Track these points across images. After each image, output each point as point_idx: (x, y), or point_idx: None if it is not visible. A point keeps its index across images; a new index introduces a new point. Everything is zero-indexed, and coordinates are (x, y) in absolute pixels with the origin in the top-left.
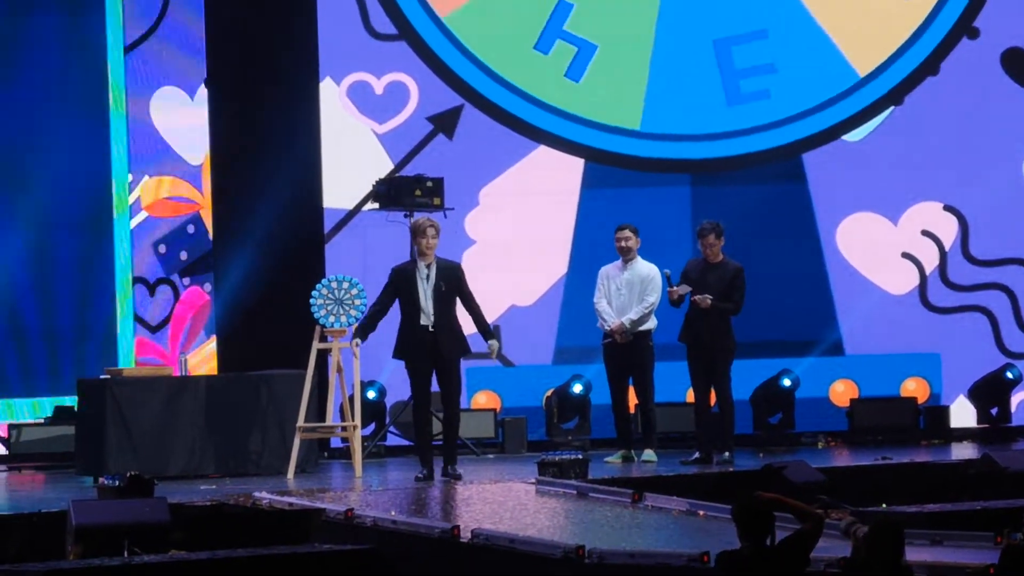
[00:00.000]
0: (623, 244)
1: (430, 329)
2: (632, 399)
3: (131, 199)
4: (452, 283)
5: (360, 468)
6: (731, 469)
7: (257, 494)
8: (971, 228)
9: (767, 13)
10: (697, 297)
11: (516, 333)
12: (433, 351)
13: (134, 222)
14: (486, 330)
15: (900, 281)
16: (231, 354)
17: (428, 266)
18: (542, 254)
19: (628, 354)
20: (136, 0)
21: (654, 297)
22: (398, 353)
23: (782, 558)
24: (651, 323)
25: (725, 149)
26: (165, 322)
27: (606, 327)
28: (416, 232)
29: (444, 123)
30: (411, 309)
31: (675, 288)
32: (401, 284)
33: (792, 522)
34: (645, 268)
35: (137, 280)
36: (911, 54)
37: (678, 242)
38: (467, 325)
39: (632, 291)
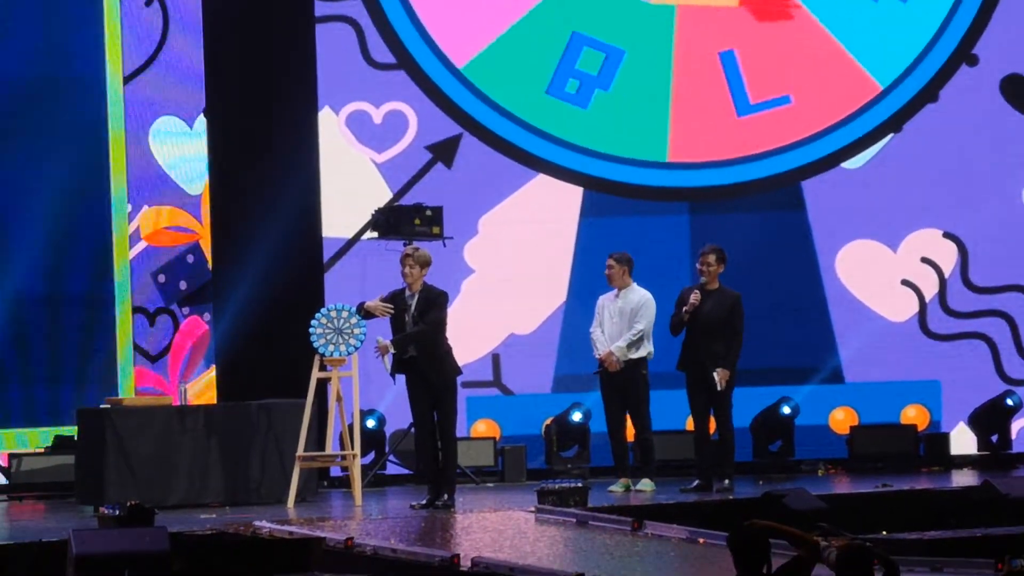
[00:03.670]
0: (606, 273)
1: (416, 358)
2: (630, 427)
3: (130, 229)
4: (426, 310)
5: (360, 497)
6: (731, 497)
7: (257, 523)
8: (971, 255)
9: None
10: (716, 378)
11: (515, 361)
12: (423, 380)
13: (133, 252)
14: (398, 339)
15: (900, 308)
16: (230, 383)
17: (412, 296)
18: (541, 282)
19: (621, 383)
20: (135, 30)
21: (642, 324)
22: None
23: None
24: (644, 351)
25: (724, 177)
26: (165, 352)
27: (598, 356)
28: (401, 263)
29: (443, 152)
30: None
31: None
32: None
33: (788, 549)
34: (637, 295)
35: (137, 310)
36: (910, 81)
37: (677, 270)
38: (463, 352)
39: (624, 319)
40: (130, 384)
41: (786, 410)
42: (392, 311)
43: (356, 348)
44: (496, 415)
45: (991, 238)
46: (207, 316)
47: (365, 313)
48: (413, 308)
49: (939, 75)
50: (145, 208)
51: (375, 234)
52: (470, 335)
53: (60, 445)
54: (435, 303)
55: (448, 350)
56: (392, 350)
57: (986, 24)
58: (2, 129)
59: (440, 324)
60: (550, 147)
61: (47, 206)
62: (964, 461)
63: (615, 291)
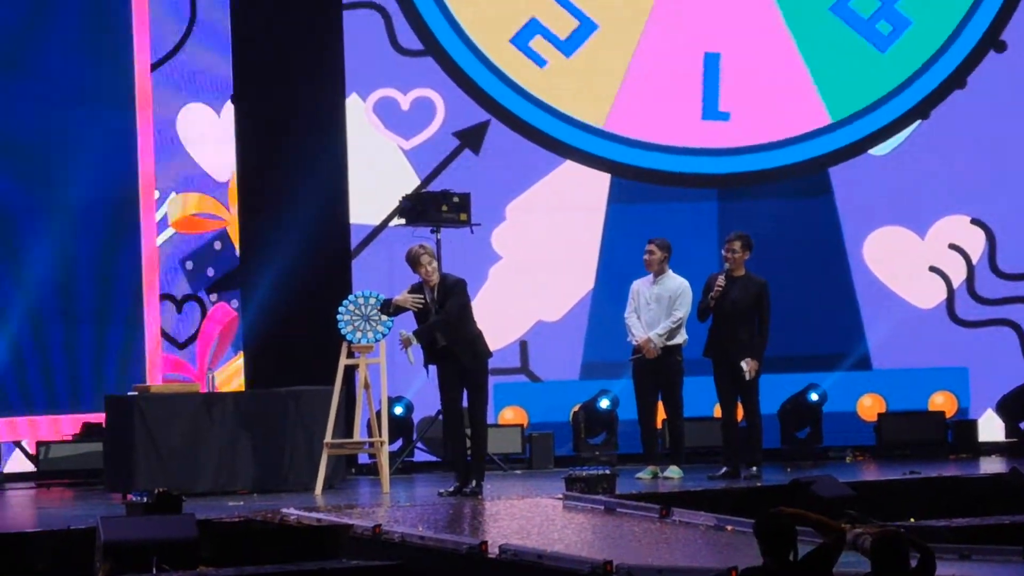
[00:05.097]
0: (645, 258)
1: (448, 347)
2: (660, 414)
3: (158, 216)
4: (446, 299)
5: (388, 484)
6: (759, 484)
7: (285, 510)
8: (998, 241)
9: None
10: (745, 368)
11: (543, 348)
12: (457, 365)
13: (161, 239)
14: (420, 330)
15: (927, 295)
16: (258, 370)
17: (433, 289)
18: (569, 269)
19: (656, 369)
20: (163, 17)
21: (682, 312)
22: (428, 360)
23: (805, 573)
24: (680, 338)
25: (752, 163)
26: (192, 339)
27: (634, 342)
28: (414, 263)
29: (470, 138)
30: None
31: (712, 294)
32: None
33: (815, 536)
34: (675, 282)
35: (164, 297)
36: (938, 67)
37: (705, 257)
38: (490, 339)
39: (661, 305)
40: (156, 371)
41: (814, 397)
42: (422, 303)
43: (384, 335)
44: (524, 402)
45: (1019, 224)
46: (235, 303)
47: (394, 309)
48: (435, 299)
49: (967, 61)
50: (173, 195)
51: (403, 221)
52: (498, 322)
53: (88, 432)
54: (453, 290)
55: (479, 333)
56: (415, 341)
57: (1014, 10)
58: (35, 116)
59: (461, 309)
60: (577, 133)
61: (71, 195)
62: (992, 448)
63: (651, 277)
